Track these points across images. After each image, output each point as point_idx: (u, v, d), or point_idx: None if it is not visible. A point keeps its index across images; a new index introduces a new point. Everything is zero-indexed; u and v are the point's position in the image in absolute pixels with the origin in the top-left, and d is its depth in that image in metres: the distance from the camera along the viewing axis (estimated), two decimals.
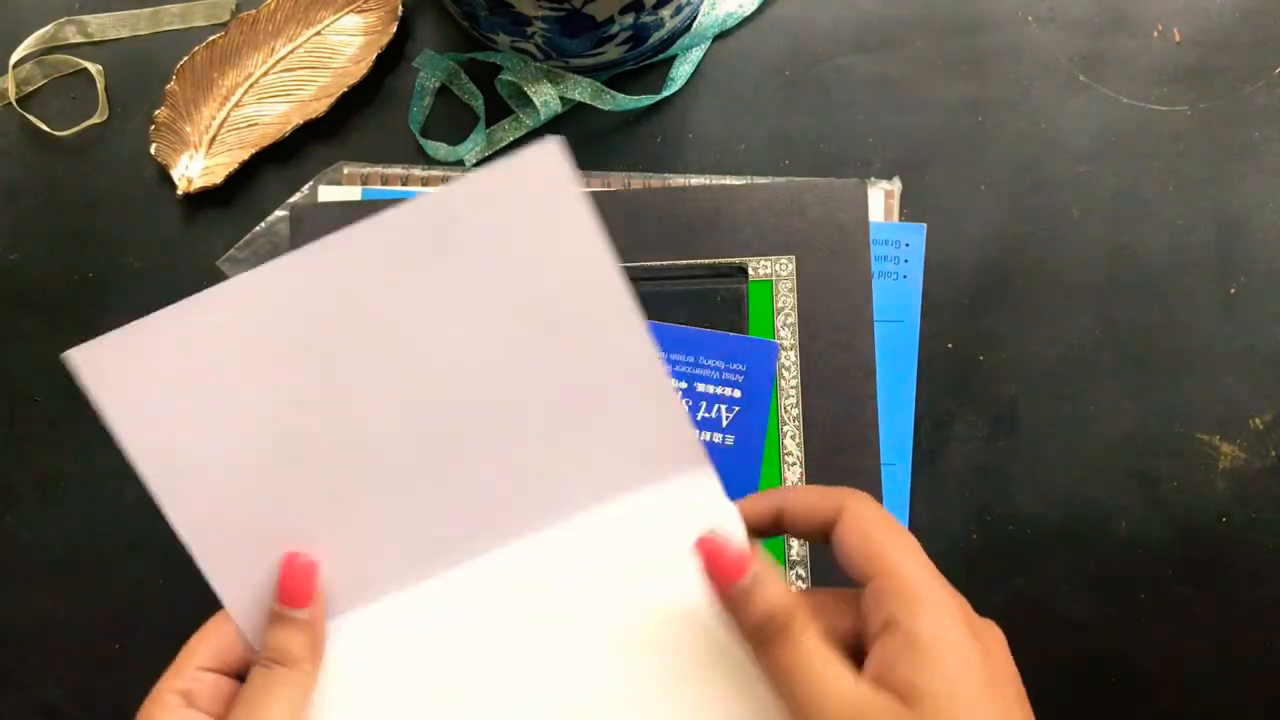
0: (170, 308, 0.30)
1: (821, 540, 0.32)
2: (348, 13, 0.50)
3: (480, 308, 0.31)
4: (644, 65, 0.50)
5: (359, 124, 0.50)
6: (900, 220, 0.49)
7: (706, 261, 0.47)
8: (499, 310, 0.31)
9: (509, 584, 0.33)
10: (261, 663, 0.31)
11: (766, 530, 0.33)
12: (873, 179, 0.49)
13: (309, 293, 0.30)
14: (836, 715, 0.27)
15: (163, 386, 0.30)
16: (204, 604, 0.32)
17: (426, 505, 0.33)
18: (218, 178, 0.49)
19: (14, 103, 0.49)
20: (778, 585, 0.29)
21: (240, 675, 0.32)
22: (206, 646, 0.32)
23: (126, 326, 0.29)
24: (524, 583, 0.33)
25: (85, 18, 0.50)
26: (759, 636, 0.29)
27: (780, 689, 0.29)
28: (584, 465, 0.33)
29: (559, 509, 0.33)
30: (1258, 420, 0.48)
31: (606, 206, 0.47)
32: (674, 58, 0.49)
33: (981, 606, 0.29)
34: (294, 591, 0.32)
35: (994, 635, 0.29)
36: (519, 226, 0.31)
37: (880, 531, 0.30)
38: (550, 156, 0.30)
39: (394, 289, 0.31)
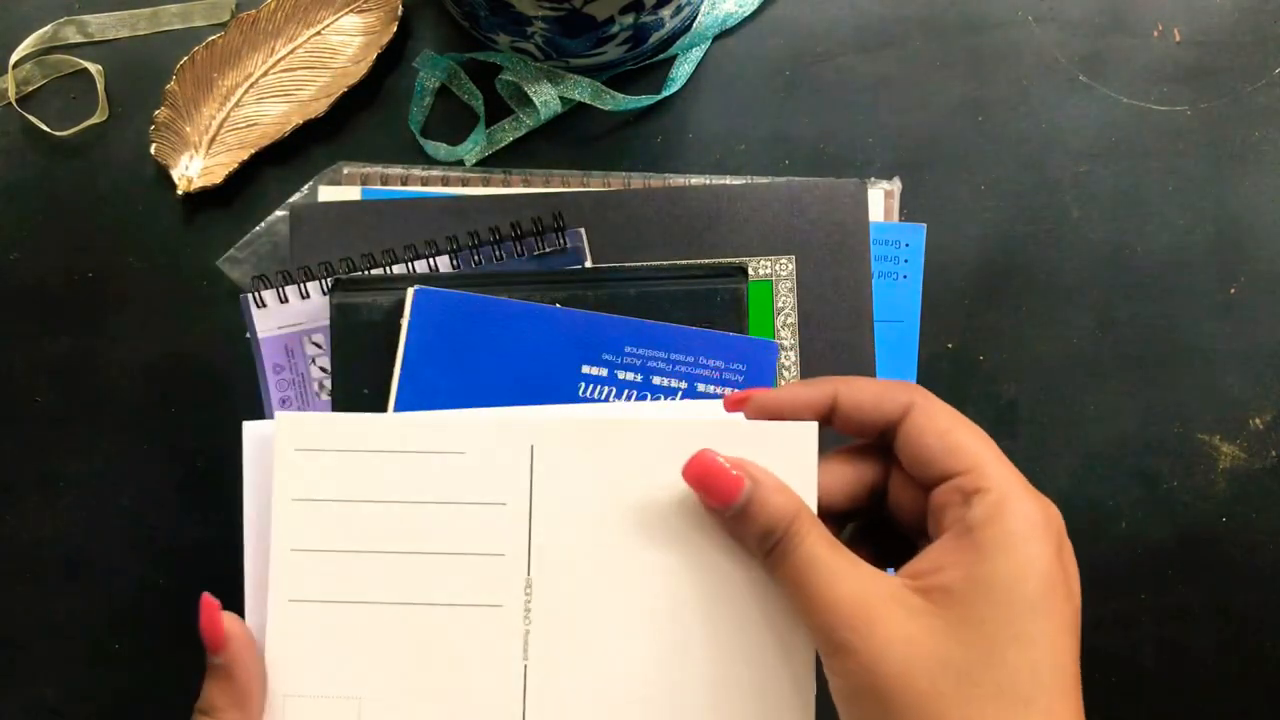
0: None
1: (873, 438, 0.30)
2: (348, 13, 0.50)
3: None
4: (644, 65, 0.50)
5: (359, 124, 0.50)
6: (900, 220, 0.49)
7: (706, 261, 0.47)
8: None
9: None
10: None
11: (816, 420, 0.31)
12: (873, 179, 0.49)
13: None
14: (839, 609, 0.26)
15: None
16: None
17: None
18: (218, 178, 0.49)
19: (14, 103, 0.49)
20: (775, 496, 0.28)
21: None
22: None
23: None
24: None
25: (85, 18, 0.50)
26: (763, 551, 0.28)
27: (791, 601, 0.28)
28: None
29: None
30: (1258, 420, 0.48)
31: (607, 206, 0.47)
32: (674, 58, 0.49)
33: None
34: (208, 634, 0.30)
35: (1072, 557, 0.28)
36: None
37: (960, 428, 0.28)
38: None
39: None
